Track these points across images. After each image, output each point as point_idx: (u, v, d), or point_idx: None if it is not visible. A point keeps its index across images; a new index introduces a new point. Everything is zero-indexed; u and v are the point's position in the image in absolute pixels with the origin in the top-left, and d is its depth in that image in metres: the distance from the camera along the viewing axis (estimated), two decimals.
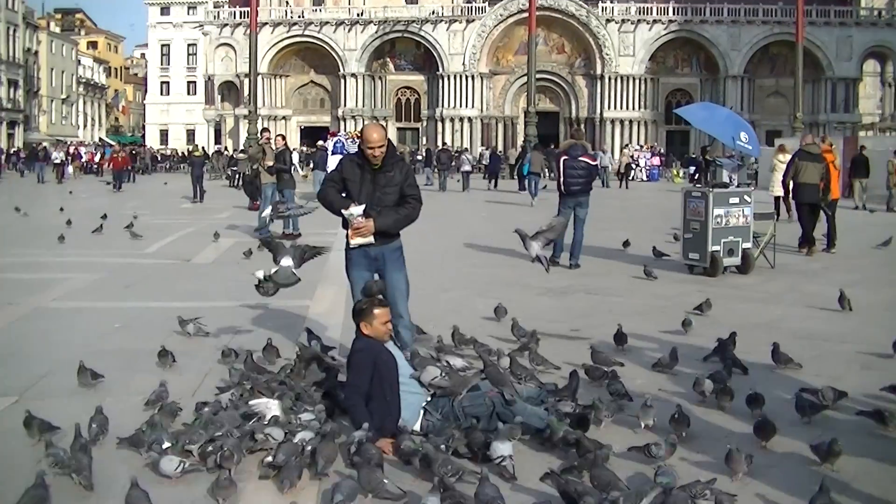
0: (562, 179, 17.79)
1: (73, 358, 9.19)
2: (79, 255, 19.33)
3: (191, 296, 14.44)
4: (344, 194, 8.81)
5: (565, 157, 17.80)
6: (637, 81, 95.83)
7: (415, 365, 7.85)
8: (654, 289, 15.08)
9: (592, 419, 7.43)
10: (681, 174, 66.66)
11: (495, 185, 51.13)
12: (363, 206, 8.61)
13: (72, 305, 13.67)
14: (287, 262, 9.06)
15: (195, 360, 9.75)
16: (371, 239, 8.76)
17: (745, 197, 16.66)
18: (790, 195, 20.83)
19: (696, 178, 20.86)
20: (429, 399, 7.48)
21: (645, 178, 62.83)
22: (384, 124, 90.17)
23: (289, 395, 7.79)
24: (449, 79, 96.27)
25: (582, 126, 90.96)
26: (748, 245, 16.67)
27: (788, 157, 21.72)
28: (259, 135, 25.57)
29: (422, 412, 7.41)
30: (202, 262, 18.90)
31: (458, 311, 12.43)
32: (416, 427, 7.31)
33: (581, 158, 17.81)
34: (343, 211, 8.63)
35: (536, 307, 13.38)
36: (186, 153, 67.17)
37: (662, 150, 79.63)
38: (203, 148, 79.48)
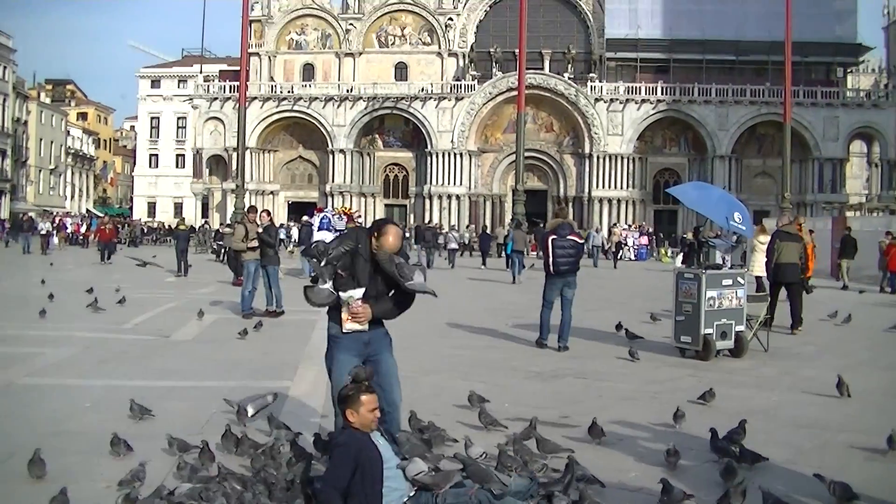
0: (550, 259, 17.31)
1: (37, 441, 8.73)
2: (56, 329, 18.76)
3: (167, 374, 13.94)
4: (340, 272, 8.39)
5: (553, 237, 17.31)
6: (625, 160, 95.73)
7: (404, 454, 7.45)
8: (645, 373, 14.64)
9: None
10: (669, 254, 66.57)
11: (484, 263, 50.77)
12: (363, 290, 8.27)
13: (43, 382, 13.17)
14: (326, 286, 8.42)
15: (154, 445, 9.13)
16: (365, 326, 8.38)
17: (739, 278, 16.28)
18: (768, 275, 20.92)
19: (685, 259, 20.55)
20: (411, 494, 6.99)
21: (633, 258, 62.63)
22: (374, 201, 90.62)
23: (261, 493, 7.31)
24: (437, 156, 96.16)
25: (569, 204, 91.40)
26: (741, 328, 16.27)
27: (767, 237, 21.85)
28: (245, 212, 25.06)
29: None
30: (182, 338, 18.35)
31: (437, 396, 11.99)
32: None
33: (570, 237, 17.43)
34: (342, 294, 8.25)
35: (523, 391, 12.94)
36: (172, 226, 66.63)
37: (650, 230, 79.40)
38: (191, 223, 79.52)
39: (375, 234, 8.32)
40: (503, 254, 50.79)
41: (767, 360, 16.08)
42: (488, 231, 61.47)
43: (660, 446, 9.30)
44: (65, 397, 11.97)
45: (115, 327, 19.47)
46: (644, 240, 68.48)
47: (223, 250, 47.74)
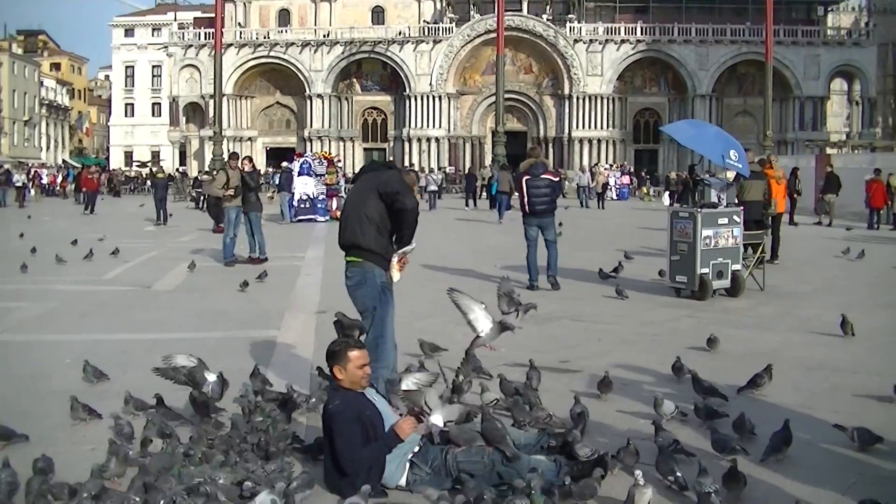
0: (525, 199, 17.22)
1: (14, 403, 8.31)
2: (33, 283, 18.26)
3: (150, 327, 13.48)
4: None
5: (527, 177, 17.24)
6: (605, 101, 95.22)
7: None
8: (641, 315, 14.27)
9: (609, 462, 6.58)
10: (651, 193, 66.27)
11: (474, 205, 50.65)
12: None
13: (21, 339, 12.72)
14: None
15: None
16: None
17: (735, 217, 15.86)
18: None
19: (679, 197, 20.21)
20: (416, 450, 6.58)
21: (615, 198, 62.18)
22: (352, 145, 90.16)
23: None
24: (416, 99, 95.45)
25: (547, 145, 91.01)
26: (738, 267, 15.90)
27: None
28: (227, 159, 24.45)
29: (408, 465, 6.51)
30: (163, 289, 17.90)
31: (434, 341, 11.56)
32: (402, 482, 6.44)
33: (543, 176, 17.31)
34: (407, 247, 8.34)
35: (519, 335, 12.48)
36: (150, 175, 65.80)
37: (631, 169, 78.99)
38: (164, 170, 78.94)
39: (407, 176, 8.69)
40: (487, 195, 50.55)
41: (765, 300, 15.73)
42: (474, 173, 60.96)
43: (666, 391, 8.92)
44: (45, 354, 11.51)
45: (94, 279, 19.00)
46: (626, 179, 68.10)
47: (202, 198, 47.17)
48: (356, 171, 9.57)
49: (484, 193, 52.45)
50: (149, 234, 32.23)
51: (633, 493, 5.82)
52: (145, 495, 5.85)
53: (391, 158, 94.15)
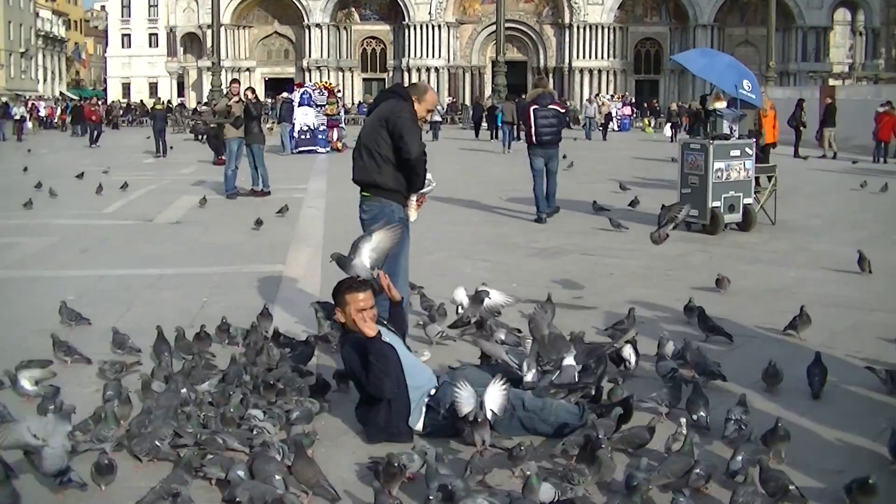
0: (532, 129, 17.14)
1: (18, 341, 8.10)
2: (32, 218, 17.98)
3: (151, 261, 13.25)
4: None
5: (535, 107, 17.18)
6: (606, 30, 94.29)
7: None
8: (652, 249, 13.93)
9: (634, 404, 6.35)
10: (652, 124, 65.76)
11: (477, 135, 50.56)
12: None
13: (22, 275, 12.47)
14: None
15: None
16: None
17: (747, 149, 15.50)
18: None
19: (690, 128, 20.00)
20: (432, 393, 6.33)
21: (616, 129, 61.61)
22: (351, 75, 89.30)
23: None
24: (415, 28, 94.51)
25: (549, 75, 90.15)
26: (749, 200, 15.61)
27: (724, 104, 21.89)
28: (228, 87, 24.04)
29: (424, 408, 6.27)
30: (165, 221, 17.66)
31: (444, 276, 11.32)
32: (419, 426, 6.21)
33: (551, 107, 17.27)
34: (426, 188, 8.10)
35: (529, 270, 12.33)
36: (150, 107, 65.03)
37: (632, 100, 78.39)
38: (167, 101, 78.35)
39: (417, 99, 8.06)
40: (488, 125, 50.61)
41: (777, 234, 15.46)
42: (480, 103, 60.26)
43: (684, 329, 8.71)
44: (47, 290, 11.25)
45: (94, 213, 18.75)
46: (627, 110, 67.47)
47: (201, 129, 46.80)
48: (374, 98, 9.24)
49: (484, 123, 52.06)
50: (148, 167, 31.95)
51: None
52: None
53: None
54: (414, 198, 7.86)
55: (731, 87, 15.57)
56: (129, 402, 6.45)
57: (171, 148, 37.88)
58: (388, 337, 6.52)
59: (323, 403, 6.58)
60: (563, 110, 17.94)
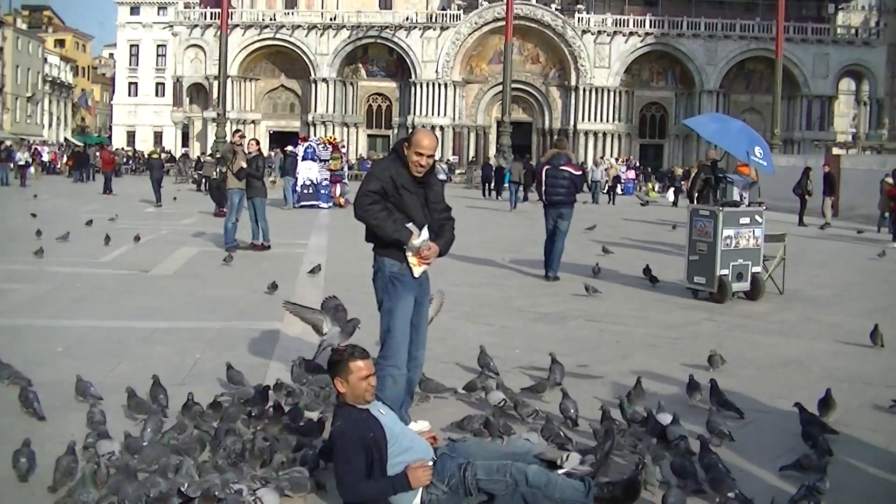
0: (543, 189, 17.32)
1: (4, 392, 7.80)
2: (24, 264, 17.65)
3: (145, 313, 12.95)
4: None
5: (548, 167, 17.36)
6: (612, 94, 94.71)
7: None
8: (659, 317, 13.73)
9: (642, 482, 6.06)
10: (656, 189, 65.60)
11: (488, 194, 50.92)
12: (426, 228, 7.38)
13: (13, 323, 12.14)
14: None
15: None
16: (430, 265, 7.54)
17: (757, 217, 15.25)
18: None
19: (699, 195, 20.14)
20: (430, 464, 6.00)
21: (620, 192, 61.45)
22: (356, 131, 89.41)
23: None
24: (421, 86, 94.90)
25: (551, 137, 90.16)
26: (758, 269, 15.32)
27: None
28: (231, 135, 23.83)
29: None
30: (162, 273, 17.36)
31: (444, 340, 11.00)
32: (416, 502, 5.88)
33: (563, 168, 17.26)
34: (412, 240, 7.26)
35: (533, 335, 12.01)
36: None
37: (637, 164, 78.41)
38: (166, 150, 78.26)
39: (407, 146, 7.36)
40: (492, 183, 51.64)
41: (785, 304, 15.13)
42: (489, 162, 60.16)
43: (695, 403, 8.40)
44: (36, 340, 10.94)
45: (90, 261, 18.44)
46: (631, 174, 67.40)
47: (204, 180, 46.70)
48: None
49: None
50: (149, 216, 31.71)
51: None
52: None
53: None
54: (408, 253, 7.41)
55: (743, 153, 15.31)
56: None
57: (175, 199, 37.69)
58: (383, 409, 6.24)
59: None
60: (577, 172, 17.85)
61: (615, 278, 17.64)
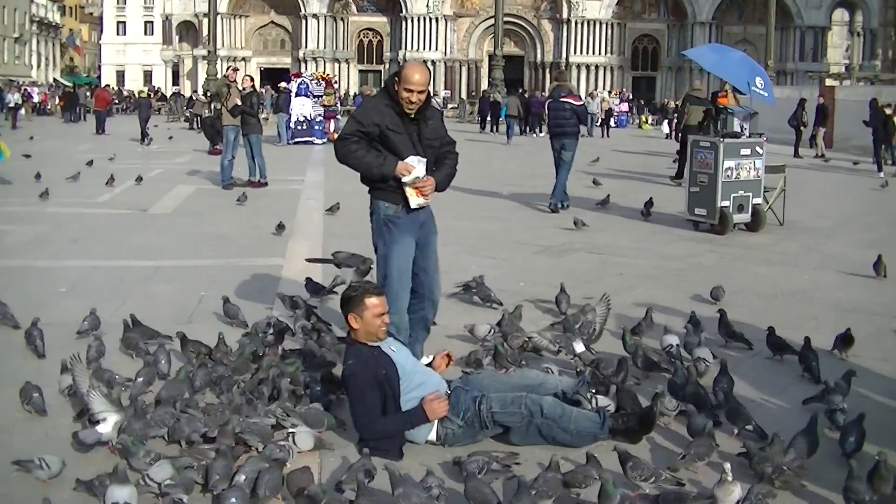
0: (547, 121, 18.08)
1: (7, 334, 7.76)
2: (21, 206, 17.56)
3: (146, 252, 12.87)
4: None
5: (550, 100, 17.90)
6: (604, 26, 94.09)
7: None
8: (661, 248, 13.70)
9: (657, 413, 6.08)
10: (649, 121, 65.33)
11: (483, 128, 50.30)
12: (424, 160, 7.06)
13: (12, 264, 12.09)
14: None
15: None
16: (429, 200, 7.23)
17: (758, 148, 15.14)
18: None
19: (700, 126, 20.66)
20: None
21: (614, 125, 61.20)
22: (347, 66, 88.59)
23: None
24: (412, 21, 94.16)
25: (547, 70, 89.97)
26: (759, 200, 15.26)
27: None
28: (225, 73, 23.59)
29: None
30: (160, 212, 17.28)
31: (448, 273, 10.92)
32: (431, 437, 5.87)
33: (564, 99, 17.52)
34: (405, 170, 6.96)
35: (536, 268, 12.00)
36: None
37: (630, 96, 78.02)
38: (156, 89, 77.77)
39: (397, 81, 6.96)
40: (481, 117, 52.01)
41: (786, 235, 15.10)
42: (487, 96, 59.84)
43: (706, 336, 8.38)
44: (37, 281, 10.88)
45: (87, 201, 18.33)
46: (624, 107, 67.13)
47: (196, 119, 46.52)
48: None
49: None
50: (144, 155, 31.56)
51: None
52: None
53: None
54: (406, 187, 7.19)
55: (744, 84, 15.23)
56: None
57: (171, 138, 37.50)
58: (395, 345, 6.21)
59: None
60: (578, 103, 17.92)
61: (615, 210, 17.65)
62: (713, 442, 5.71)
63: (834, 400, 6.28)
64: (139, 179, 21.47)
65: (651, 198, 17.39)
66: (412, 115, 7.04)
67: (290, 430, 5.71)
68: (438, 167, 7.21)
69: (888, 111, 30.18)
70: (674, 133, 23.62)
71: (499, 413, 5.84)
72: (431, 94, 7.50)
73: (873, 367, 7.65)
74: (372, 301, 6.00)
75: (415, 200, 7.05)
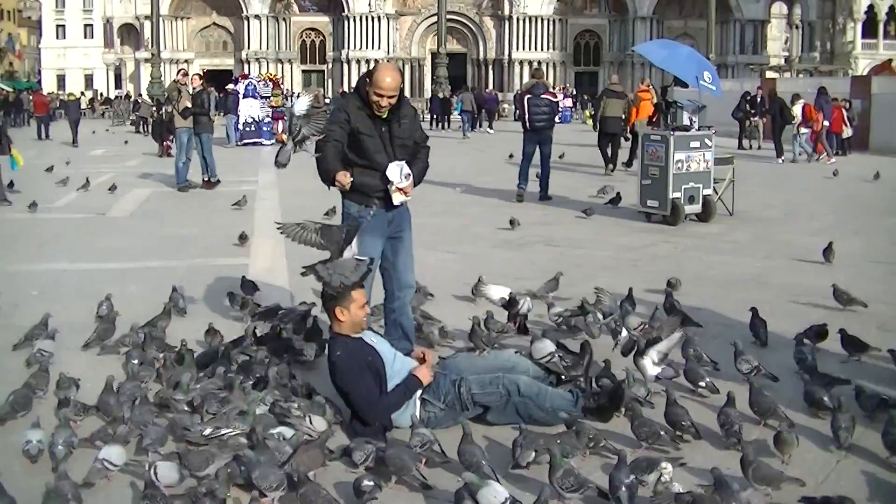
0: (527, 117, 18.53)
1: None
2: None
3: (112, 255, 13.04)
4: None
5: (529, 96, 18.58)
6: (545, 22, 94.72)
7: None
8: (616, 240, 14.07)
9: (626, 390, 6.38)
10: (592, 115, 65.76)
11: (440, 126, 51.08)
12: (402, 163, 7.13)
13: None
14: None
15: None
16: (410, 195, 7.30)
17: (706, 140, 15.54)
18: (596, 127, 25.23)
19: (651, 120, 21.44)
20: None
21: (558, 121, 61.64)
22: (290, 67, 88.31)
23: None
24: (354, 20, 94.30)
25: (489, 67, 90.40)
26: (709, 191, 15.67)
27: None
28: (175, 77, 23.63)
29: (418, 402, 6.22)
30: (119, 215, 17.41)
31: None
32: (416, 417, 6.13)
33: (543, 96, 18.71)
34: (390, 173, 7.04)
35: (497, 261, 12.28)
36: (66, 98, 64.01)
37: (573, 92, 78.54)
38: (98, 92, 77.36)
39: (368, 83, 6.98)
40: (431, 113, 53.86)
41: (737, 225, 15.51)
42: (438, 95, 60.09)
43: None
44: (7, 285, 10.96)
45: (46, 206, 18.36)
46: (568, 102, 67.66)
47: (141, 122, 46.47)
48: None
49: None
50: (93, 160, 31.50)
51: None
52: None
53: (330, 81, 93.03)
54: (391, 187, 7.33)
55: (692, 78, 15.63)
56: None
57: (126, 142, 37.40)
58: (374, 337, 6.51)
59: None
60: (555, 99, 19.93)
61: (564, 204, 17.99)
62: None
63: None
64: (86, 185, 21.16)
65: (618, 193, 17.83)
66: (383, 116, 7.10)
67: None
68: (412, 162, 7.29)
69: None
70: (594, 124, 25.37)
71: (478, 394, 6.16)
72: (404, 93, 7.62)
73: (830, 347, 7.94)
74: (359, 293, 6.30)
75: (398, 198, 7.21)
